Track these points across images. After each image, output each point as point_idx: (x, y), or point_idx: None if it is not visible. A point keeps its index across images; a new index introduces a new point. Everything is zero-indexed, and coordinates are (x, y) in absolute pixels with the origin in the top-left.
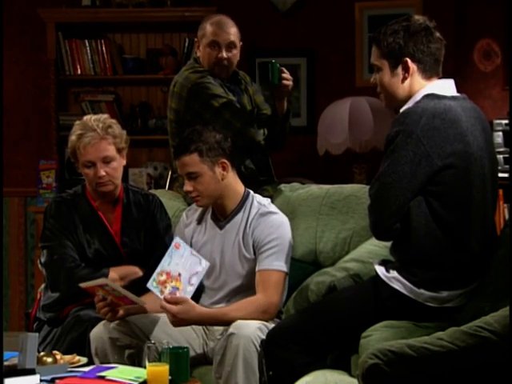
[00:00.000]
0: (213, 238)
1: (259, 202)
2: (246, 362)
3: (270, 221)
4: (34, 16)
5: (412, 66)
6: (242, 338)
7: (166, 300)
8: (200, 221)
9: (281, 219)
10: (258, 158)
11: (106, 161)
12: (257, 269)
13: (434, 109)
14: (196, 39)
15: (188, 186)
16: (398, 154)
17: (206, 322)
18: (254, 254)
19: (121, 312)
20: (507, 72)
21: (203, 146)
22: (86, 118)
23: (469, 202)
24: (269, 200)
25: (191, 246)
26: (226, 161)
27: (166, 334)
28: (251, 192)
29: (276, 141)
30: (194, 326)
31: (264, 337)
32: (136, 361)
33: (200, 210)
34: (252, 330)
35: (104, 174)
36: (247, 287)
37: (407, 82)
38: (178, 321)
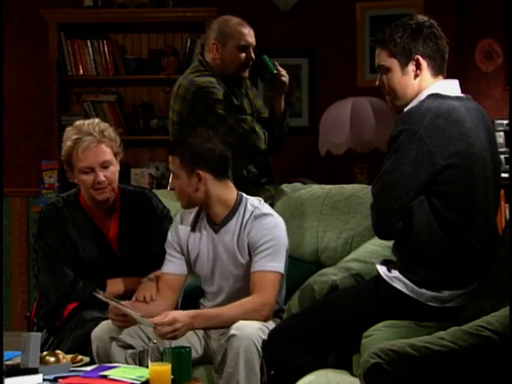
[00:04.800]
0: (208, 241)
1: (252, 204)
2: (247, 363)
3: (264, 222)
4: (36, 16)
5: (423, 62)
6: (244, 339)
7: (156, 324)
8: (195, 224)
9: (275, 220)
10: (259, 160)
11: (105, 165)
12: (252, 270)
13: (437, 108)
14: (213, 41)
15: (171, 183)
16: (401, 152)
17: (208, 324)
18: (249, 256)
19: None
20: (508, 72)
21: (185, 151)
22: (78, 123)
23: (471, 202)
24: (261, 200)
25: (187, 248)
26: (202, 173)
27: None
28: (244, 195)
29: (275, 144)
30: None
31: (265, 337)
32: (136, 361)
33: (194, 213)
34: (253, 331)
35: (104, 179)
36: (244, 290)
37: (417, 79)
38: (184, 329)
